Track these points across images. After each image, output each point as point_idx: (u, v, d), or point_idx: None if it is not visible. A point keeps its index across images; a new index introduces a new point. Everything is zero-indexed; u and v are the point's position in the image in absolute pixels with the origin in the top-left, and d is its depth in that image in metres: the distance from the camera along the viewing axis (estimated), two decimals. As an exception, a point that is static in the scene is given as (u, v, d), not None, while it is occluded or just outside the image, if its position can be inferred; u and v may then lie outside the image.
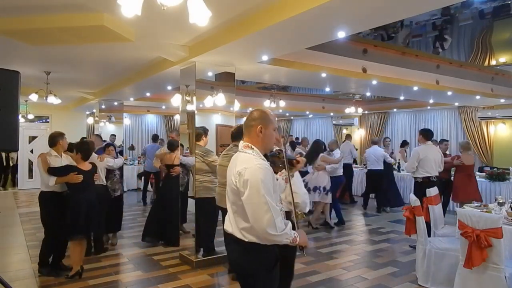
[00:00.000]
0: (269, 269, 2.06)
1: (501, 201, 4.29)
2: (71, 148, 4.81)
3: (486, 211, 4.02)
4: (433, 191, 4.93)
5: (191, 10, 2.48)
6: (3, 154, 12.49)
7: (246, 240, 2.02)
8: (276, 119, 2.29)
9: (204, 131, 4.87)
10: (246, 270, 2.09)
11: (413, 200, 4.32)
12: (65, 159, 4.45)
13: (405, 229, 4.50)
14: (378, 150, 8.60)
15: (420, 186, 5.52)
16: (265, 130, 2.12)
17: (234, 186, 2.02)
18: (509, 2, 8.55)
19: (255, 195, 1.92)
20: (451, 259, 3.92)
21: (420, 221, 4.20)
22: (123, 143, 10.39)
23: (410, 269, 4.63)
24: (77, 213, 4.24)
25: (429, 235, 4.46)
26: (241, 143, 2.16)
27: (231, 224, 2.10)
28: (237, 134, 4.30)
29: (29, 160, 11.84)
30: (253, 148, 2.09)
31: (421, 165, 5.64)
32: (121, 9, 2.50)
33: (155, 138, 10.17)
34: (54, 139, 4.45)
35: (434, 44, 10.01)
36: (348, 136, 10.32)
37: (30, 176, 11.93)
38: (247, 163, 2.00)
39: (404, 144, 9.96)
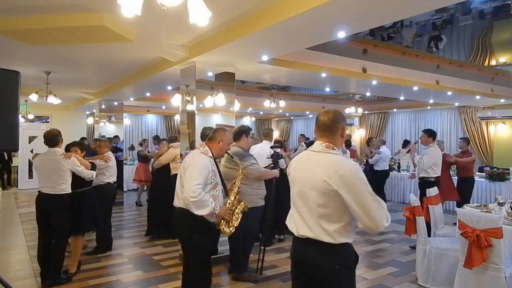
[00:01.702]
0: (353, 268, 2.08)
1: (501, 201, 4.30)
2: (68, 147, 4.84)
3: (486, 211, 4.02)
4: (433, 191, 4.94)
5: (191, 10, 2.48)
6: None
7: (336, 242, 1.98)
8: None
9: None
10: (329, 271, 2.02)
11: (413, 200, 4.32)
12: None
13: (405, 229, 4.50)
14: (386, 151, 8.72)
15: (431, 186, 5.40)
16: (345, 131, 2.17)
17: (328, 187, 1.94)
18: (509, 2, 8.54)
19: (365, 195, 1.92)
20: (451, 259, 3.93)
21: (420, 221, 4.20)
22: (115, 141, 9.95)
23: (410, 269, 4.63)
24: (89, 209, 4.39)
25: (429, 235, 4.46)
26: (320, 143, 2.08)
27: (309, 228, 2.02)
28: (236, 135, 4.32)
29: (29, 160, 11.84)
30: (334, 148, 2.07)
31: (436, 165, 5.63)
32: (121, 9, 2.50)
33: (157, 139, 9.98)
34: (56, 138, 4.18)
35: (429, 43, 10.02)
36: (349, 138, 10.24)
37: (30, 176, 11.93)
38: (343, 164, 1.98)
39: (406, 143, 9.91)
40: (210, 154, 2.94)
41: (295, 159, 2.23)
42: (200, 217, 2.83)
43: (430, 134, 5.79)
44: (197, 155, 2.90)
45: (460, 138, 7.66)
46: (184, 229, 2.95)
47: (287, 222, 2.18)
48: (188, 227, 2.91)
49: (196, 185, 2.72)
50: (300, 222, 2.07)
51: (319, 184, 1.97)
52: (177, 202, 2.96)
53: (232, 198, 3.13)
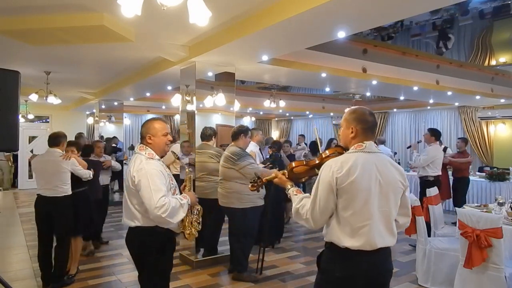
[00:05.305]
0: None
1: (501, 201, 4.29)
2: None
3: (486, 211, 4.02)
4: (433, 191, 4.94)
5: (191, 10, 2.48)
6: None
7: (395, 242, 1.97)
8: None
9: (214, 132, 4.91)
10: (391, 274, 2.03)
11: (413, 200, 4.32)
12: None
13: (405, 229, 4.49)
14: (387, 150, 8.67)
15: (430, 185, 5.46)
16: None
17: (401, 187, 1.98)
18: (509, 2, 8.54)
19: None
20: (451, 259, 3.92)
21: (420, 221, 4.20)
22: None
23: (410, 269, 4.63)
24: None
25: (429, 235, 4.46)
26: (373, 144, 2.00)
27: (382, 237, 1.89)
28: (235, 135, 4.31)
29: (29, 161, 11.82)
30: None
31: (435, 164, 5.70)
32: (121, 9, 2.50)
33: None
34: (58, 139, 4.13)
35: (437, 44, 9.96)
36: None
37: (30, 176, 11.91)
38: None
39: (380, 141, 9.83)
40: (157, 157, 2.46)
41: (350, 165, 1.87)
42: (165, 233, 2.44)
43: (433, 133, 5.87)
44: (144, 163, 2.37)
45: (458, 138, 7.65)
46: (145, 250, 2.45)
47: (344, 242, 1.88)
48: (149, 248, 2.43)
49: (161, 198, 2.26)
50: (374, 233, 1.87)
51: (397, 184, 1.95)
52: (131, 223, 2.44)
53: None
